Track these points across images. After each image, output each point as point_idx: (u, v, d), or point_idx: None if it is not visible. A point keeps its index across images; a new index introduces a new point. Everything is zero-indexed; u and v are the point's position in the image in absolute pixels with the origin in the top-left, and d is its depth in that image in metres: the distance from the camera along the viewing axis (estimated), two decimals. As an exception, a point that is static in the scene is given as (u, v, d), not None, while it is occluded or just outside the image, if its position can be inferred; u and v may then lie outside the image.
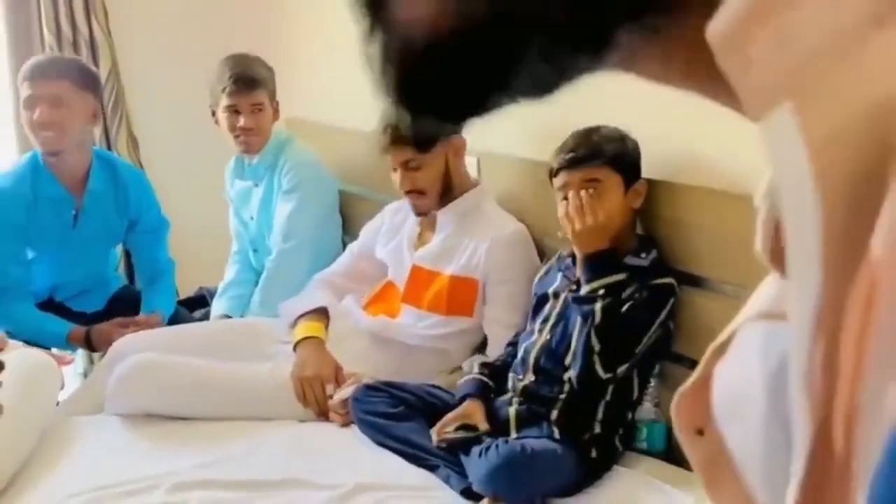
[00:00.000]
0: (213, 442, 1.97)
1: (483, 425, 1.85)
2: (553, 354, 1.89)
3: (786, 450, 0.33)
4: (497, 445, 1.73)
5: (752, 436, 0.43)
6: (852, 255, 0.27)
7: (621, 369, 1.79)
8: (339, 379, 2.17)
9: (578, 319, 1.80)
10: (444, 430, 1.85)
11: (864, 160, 0.27)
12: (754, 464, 0.44)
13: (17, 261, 2.55)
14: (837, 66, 0.28)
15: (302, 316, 2.32)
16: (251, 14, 3.43)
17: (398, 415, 1.96)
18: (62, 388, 2.25)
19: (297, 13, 3.30)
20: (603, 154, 1.85)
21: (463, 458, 1.80)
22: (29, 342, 2.38)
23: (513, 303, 2.15)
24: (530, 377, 1.91)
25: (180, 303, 2.89)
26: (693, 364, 1.78)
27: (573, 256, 1.95)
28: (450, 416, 1.88)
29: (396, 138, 2.15)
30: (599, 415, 1.84)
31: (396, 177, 2.24)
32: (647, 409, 1.89)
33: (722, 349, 0.46)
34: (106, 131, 3.27)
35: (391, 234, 2.39)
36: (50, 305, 2.65)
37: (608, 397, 1.84)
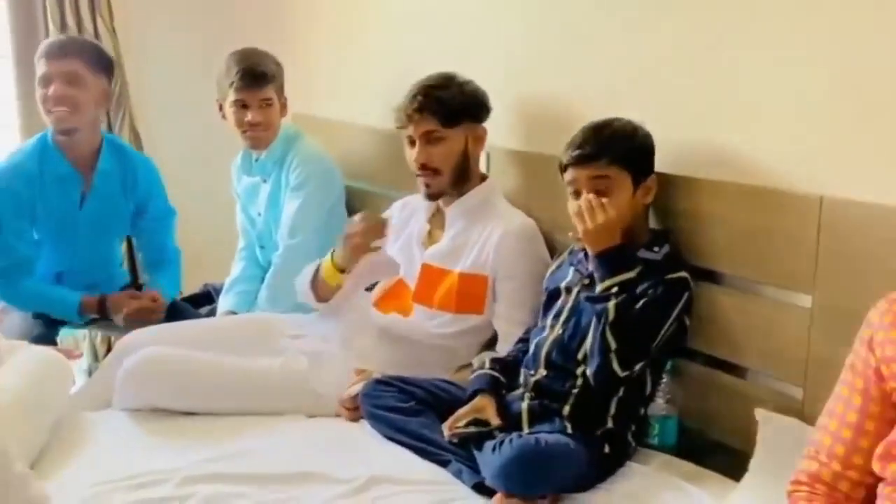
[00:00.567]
0: (222, 437, 1.96)
1: (495, 420, 1.84)
2: (565, 349, 1.88)
3: None
4: (510, 440, 1.72)
5: None
6: None
7: (638, 366, 1.78)
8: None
9: (593, 318, 1.79)
10: (456, 424, 1.84)
11: None
12: None
13: (24, 238, 2.56)
14: None
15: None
16: (256, 10, 3.43)
17: (409, 409, 1.95)
18: (73, 383, 2.24)
19: (303, 9, 3.29)
20: (611, 152, 1.84)
21: (476, 452, 1.79)
22: (39, 316, 2.47)
23: (522, 299, 2.14)
24: (542, 372, 1.90)
25: (186, 299, 2.88)
26: (706, 359, 1.78)
27: (585, 251, 1.94)
28: (461, 411, 1.87)
29: (424, 106, 2.15)
30: (612, 410, 1.83)
31: (412, 152, 2.21)
32: (659, 405, 1.88)
33: None
34: (109, 126, 3.26)
35: (398, 231, 2.39)
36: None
37: (621, 393, 1.83)
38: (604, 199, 1.80)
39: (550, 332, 1.93)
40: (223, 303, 2.80)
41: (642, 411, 1.88)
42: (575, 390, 1.85)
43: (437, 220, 2.33)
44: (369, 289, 2.41)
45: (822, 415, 1.35)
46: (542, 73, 2.29)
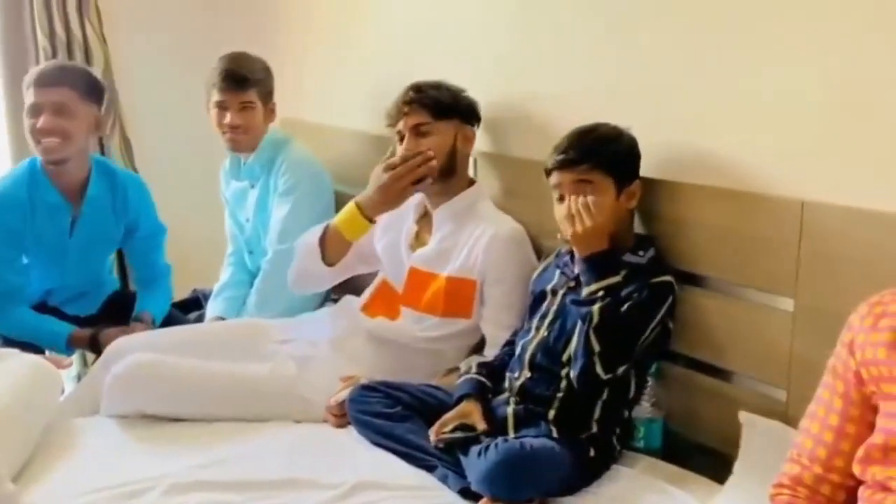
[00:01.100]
0: (210, 443, 1.96)
1: (481, 425, 1.84)
2: (550, 351, 1.89)
3: None
4: (496, 445, 1.72)
5: None
6: None
7: (621, 370, 1.79)
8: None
9: (578, 321, 1.80)
10: (443, 430, 1.85)
11: None
12: None
13: (13, 267, 2.53)
14: None
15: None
16: (246, 16, 3.43)
17: (395, 415, 1.95)
18: (62, 391, 2.24)
19: (292, 15, 3.30)
20: (594, 156, 1.85)
21: (461, 457, 1.79)
22: (27, 347, 2.38)
23: (510, 303, 2.15)
24: (526, 374, 1.91)
25: (174, 305, 2.89)
26: (690, 363, 1.79)
27: (571, 253, 1.95)
28: (447, 416, 1.88)
29: (415, 100, 2.18)
30: (596, 414, 1.84)
31: (401, 147, 2.22)
32: (644, 408, 1.89)
33: None
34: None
35: (386, 228, 2.39)
36: (43, 309, 2.64)
37: (605, 396, 1.84)
38: (591, 199, 1.81)
39: (536, 333, 1.94)
40: (212, 308, 2.80)
41: (626, 414, 1.89)
42: (560, 394, 1.86)
43: (424, 222, 2.34)
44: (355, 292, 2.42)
45: (804, 418, 1.35)
46: (528, 79, 2.30)
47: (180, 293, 3.03)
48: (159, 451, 1.94)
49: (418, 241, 2.32)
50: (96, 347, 2.53)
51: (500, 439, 1.76)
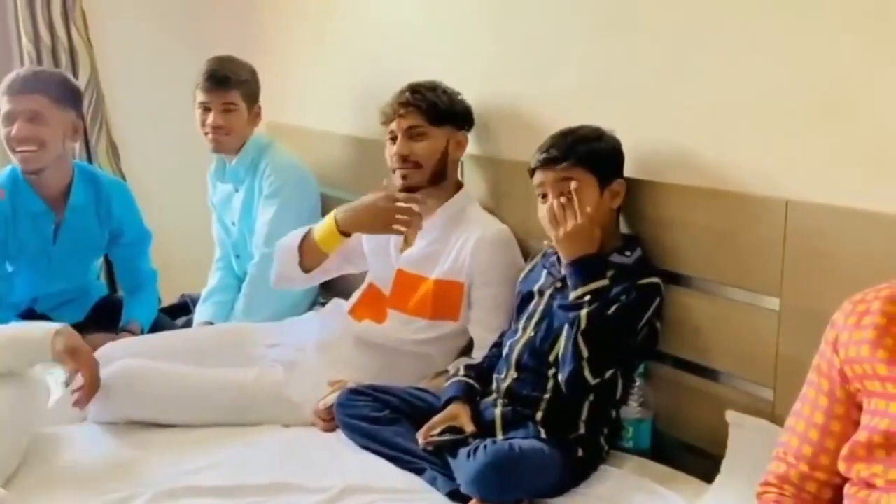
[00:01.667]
0: (198, 449, 1.96)
1: (469, 427, 1.84)
2: (537, 352, 1.90)
3: None
4: (485, 446, 1.72)
5: None
6: None
7: (609, 373, 1.79)
8: None
9: (566, 326, 1.80)
10: (431, 433, 1.85)
11: None
12: None
13: None
14: None
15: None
16: (231, 20, 3.43)
17: (383, 418, 1.95)
18: (49, 398, 2.22)
19: (277, 19, 3.30)
20: (575, 154, 1.86)
21: (450, 459, 1.79)
22: None
23: (497, 305, 2.15)
24: (513, 374, 1.91)
25: (163, 310, 2.88)
26: (678, 363, 1.79)
27: (558, 253, 1.95)
28: (435, 419, 1.88)
29: (412, 102, 2.18)
30: (584, 414, 1.84)
31: (392, 147, 2.22)
32: (632, 409, 1.89)
33: None
34: (86, 138, 3.25)
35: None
36: (31, 316, 2.62)
37: (592, 397, 1.84)
38: (574, 201, 1.81)
39: (523, 334, 1.94)
40: (200, 313, 2.79)
41: (614, 415, 1.89)
42: (546, 395, 1.86)
43: (413, 225, 2.34)
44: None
45: (789, 416, 1.36)
46: (513, 81, 2.30)
47: (168, 298, 3.02)
48: (148, 457, 1.93)
49: (406, 244, 2.32)
50: None
51: (488, 441, 1.76)
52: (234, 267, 2.90)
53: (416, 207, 2.16)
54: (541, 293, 1.97)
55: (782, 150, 1.68)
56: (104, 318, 2.68)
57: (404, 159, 2.21)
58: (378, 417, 1.95)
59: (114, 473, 1.84)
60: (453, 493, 1.74)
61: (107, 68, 3.37)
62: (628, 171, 1.93)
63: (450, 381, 1.98)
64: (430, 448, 1.84)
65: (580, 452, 1.80)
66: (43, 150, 2.45)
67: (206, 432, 2.05)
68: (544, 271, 2.00)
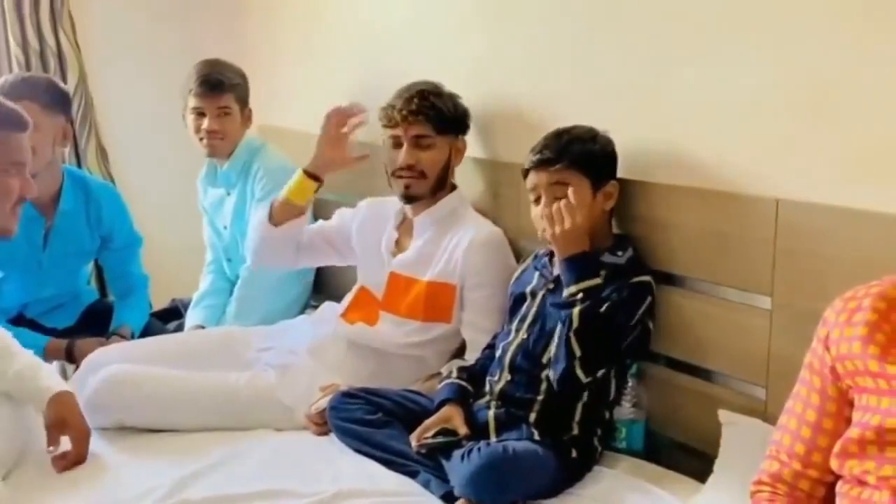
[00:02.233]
0: (190, 454, 1.94)
1: (462, 430, 1.84)
2: (530, 354, 1.90)
3: None
4: (478, 448, 1.72)
5: None
6: None
7: (601, 372, 1.80)
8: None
9: (558, 324, 1.80)
10: (424, 435, 1.84)
11: None
12: None
13: None
14: None
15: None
16: (221, 24, 3.43)
17: (376, 421, 1.94)
18: None
19: (267, 21, 3.29)
20: (569, 155, 1.86)
21: (444, 462, 1.79)
22: None
23: (490, 307, 2.15)
24: (506, 377, 1.91)
25: (154, 315, 2.87)
26: (669, 362, 1.78)
27: (550, 255, 1.96)
28: (429, 421, 1.87)
29: (420, 110, 2.17)
30: (577, 416, 1.84)
31: (397, 153, 2.20)
32: (626, 409, 1.89)
33: None
34: (75, 143, 3.23)
35: (362, 227, 2.40)
36: (21, 321, 2.61)
37: (585, 398, 1.85)
38: (569, 197, 1.82)
39: (515, 336, 1.94)
40: (191, 317, 2.79)
41: (607, 415, 1.90)
42: (540, 396, 1.86)
43: (405, 228, 2.34)
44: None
45: (781, 414, 1.36)
46: (504, 82, 2.31)
47: (159, 302, 3.01)
48: (140, 463, 1.92)
49: (399, 247, 2.32)
50: (72, 358, 2.51)
51: (482, 443, 1.76)
52: (225, 270, 2.89)
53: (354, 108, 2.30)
54: (533, 295, 1.97)
55: (772, 149, 1.69)
56: (94, 323, 2.67)
57: (411, 167, 2.20)
58: (371, 420, 1.94)
59: (105, 481, 1.83)
60: (447, 496, 1.74)
61: (95, 72, 3.36)
62: (619, 171, 1.93)
63: (443, 384, 1.98)
64: (423, 451, 1.83)
65: (574, 453, 1.80)
66: (33, 156, 2.43)
67: (199, 437, 2.04)
68: (536, 273, 2.00)
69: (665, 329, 1.89)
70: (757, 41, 1.69)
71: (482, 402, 1.93)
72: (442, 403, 1.92)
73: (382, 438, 1.90)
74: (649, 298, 1.85)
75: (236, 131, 2.71)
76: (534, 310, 1.94)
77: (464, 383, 1.96)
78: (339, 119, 2.38)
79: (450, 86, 2.27)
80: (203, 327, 2.69)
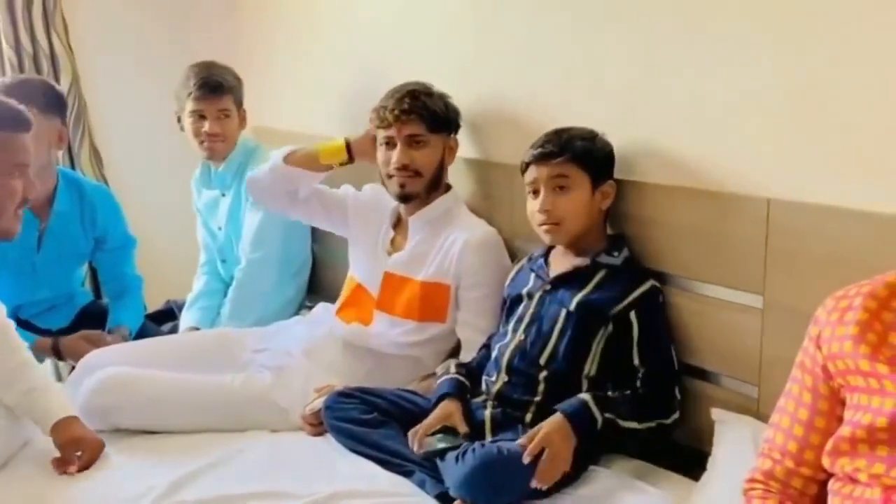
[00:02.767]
0: (186, 455, 1.95)
1: (462, 427, 1.84)
2: (527, 355, 1.90)
3: None
4: (473, 449, 1.72)
5: None
6: None
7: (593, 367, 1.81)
8: None
9: (557, 323, 1.81)
10: (426, 435, 1.84)
11: None
12: None
13: None
14: None
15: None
16: (214, 25, 3.42)
17: (371, 421, 1.95)
18: None
19: (261, 23, 3.29)
20: (571, 150, 1.88)
21: (439, 462, 1.79)
22: None
23: (485, 307, 2.15)
24: (503, 378, 1.91)
25: (148, 317, 2.87)
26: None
27: (545, 256, 1.96)
28: (429, 419, 1.87)
29: (413, 109, 2.17)
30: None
31: (390, 153, 2.21)
32: (619, 408, 1.90)
33: None
34: (69, 144, 3.23)
35: (356, 215, 2.40)
36: (15, 322, 2.60)
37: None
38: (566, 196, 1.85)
39: (513, 337, 1.95)
40: (186, 318, 2.78)
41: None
42: (537, 398, 1.86)
43: (400, 227, 2.35)
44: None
45: (774, 412, 1.37)
46: (495, 83, 2.31)
47: (153, 304, 3.01)
48: (136, 464, 1.92)
49: (394, 246, 2.33)
50: (59, 354, 2.52)
51: (477, 444, 1.76)
52: (219, 271, 2.89)
53: None
54: (529, 296, 1.97)
55: (763, 149, 1.70)
56: (89, 325, 2.66)
57: (405, 167, 2.20)
58: (366, 420, 1.95)
59: (100, 483, 1.83)
60: (442, 496, 1.74)
61: (88, 74, 3.36)
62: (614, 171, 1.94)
63: (441, 378, 1.98)
64: (423, 453, 1.83)
65: (569, 453, 1.81)
66: None
67: (194, 439, 2.04)
68: (532, 274, 2.00)
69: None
70: (746, 42, 1.70)
71: (478, 400, 1.94)
72: (441, 398, 1.91)
73: (378, 438, 1.91)
74: (660, 297, 1.87)
75: (235, 133, 2.72)
76: (530, 311, 1.94)
77: (462, 378, 1.96)
78: None
79: (441, 86, 2.28)
80: (198, 329, 2.69)
